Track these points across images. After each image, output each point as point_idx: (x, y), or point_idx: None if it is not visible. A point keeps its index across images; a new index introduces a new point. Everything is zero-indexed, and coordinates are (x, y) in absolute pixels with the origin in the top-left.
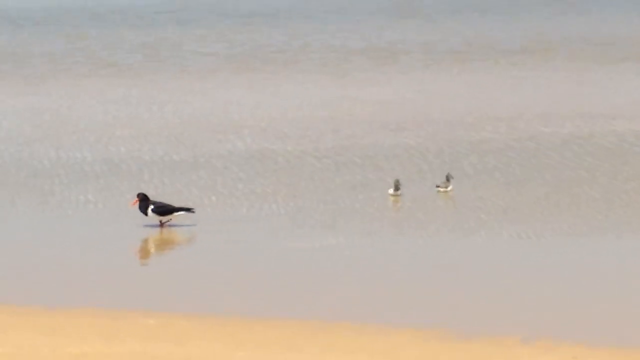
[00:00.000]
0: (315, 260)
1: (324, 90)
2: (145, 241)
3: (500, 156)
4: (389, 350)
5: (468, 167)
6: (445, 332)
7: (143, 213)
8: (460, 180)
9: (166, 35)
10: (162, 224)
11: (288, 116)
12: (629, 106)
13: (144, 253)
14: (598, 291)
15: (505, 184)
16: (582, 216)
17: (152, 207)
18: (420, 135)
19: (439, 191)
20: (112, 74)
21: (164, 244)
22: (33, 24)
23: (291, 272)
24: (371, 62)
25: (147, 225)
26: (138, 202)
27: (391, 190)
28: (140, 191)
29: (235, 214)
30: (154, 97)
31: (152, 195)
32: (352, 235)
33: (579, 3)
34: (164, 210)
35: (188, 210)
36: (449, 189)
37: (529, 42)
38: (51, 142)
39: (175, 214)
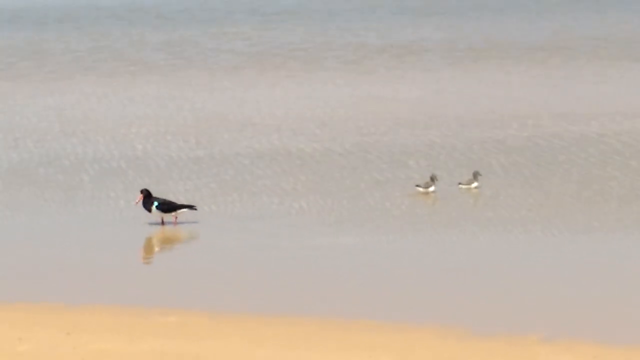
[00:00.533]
0: (335, 258)
1: (346, 88)
2: (165, 239)
3: (526, 153)
4: (407, 347)
5: (495, 165)
6: (464, 330)
7: (147, 210)
8: (487, 177)
9: (189, 34)
10: (163, 222)
11: (309, 114)
12: None
13: (162, 250)
14: (621, 290)
15: (530, 181)
16: (608, 214)
17: (156, 203)
18: (445, 133)
19: (461, 188)
20: (135, 72)
21: (183, 242)
22: (56, 22)
23: (310, 269)
24: (394, 59)
25: (168, 223)
26: (142, 199)
27: (420, 188)
28: (144, 187)
29: (257, 211)
30: (177, 95)
31: (175, 192)
32: (374, 232)
33: (599, 2)
34: (168, 207)
35: (191, 207)
36: (472, 185)
37: (549, 41)
38: (78, 139)
39: (179, 210)
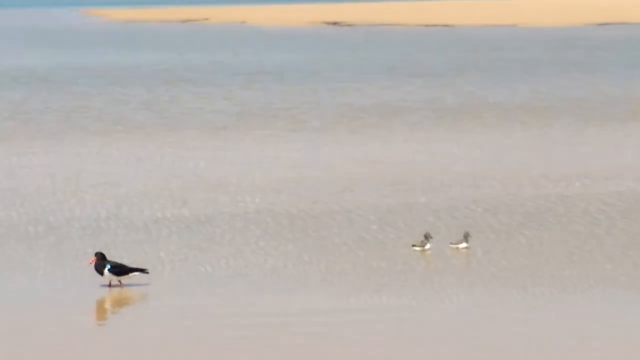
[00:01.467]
0: (307, 325)
1: (330, 148)
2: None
3: (512, 214)
4: None
5: (482, 225)
6: None
7: (99, 272)
8: (476, 237)
9: (172, 93)
10: (110, 285)
11: (291, 175)
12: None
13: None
14: (616, 348)
15: (519, 241)
16: (598, 272)
17: (108, 266)
18: (431, 193)
19: (452, 248)
20: (119, 131)
21: (143, 307)
22: (38, 81)
23: (276, 340)
24: (375, 119)
25: (115, 286)
26: (95, 261)
27: (417, 248)
28: (98, 250)
29: (234, 272)
30: (159, 154)
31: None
32: (366, 294)
33: (582, 64)
34: (119, 270)
35: (142, 270)
36: (461, 246)
37: (530, 101)
38: (64, 198)
39: (130, 274)
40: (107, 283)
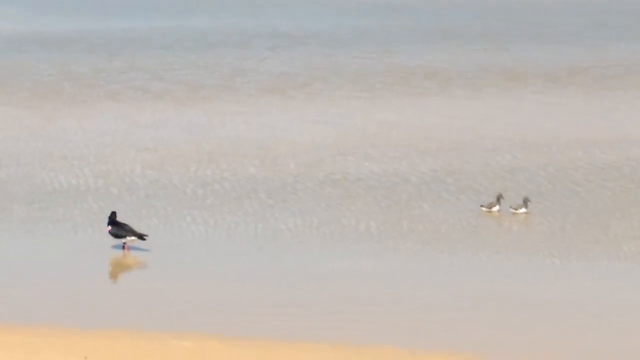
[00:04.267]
0: (351, 284)
1: (359, 115)
2: (184, 264)
3: (570, 179)
4: None
5: (544, 190)
6: (477, 358)
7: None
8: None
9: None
10: (125, 246)
11: (352, 138)
12: None
13: (177, 275)
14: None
15: (577, 207)
16: None
17: (109, 228)
18: (487, 157)
19: (513, 213)
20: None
21: (192, 267)
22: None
23: (326, 295)
24: (428, 83)
25: (132, 248)
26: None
27: (484, 208)
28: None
29: (272, 235)
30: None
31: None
32: (407, 255)
33: (615, 29)
34: (116, 233)
35: (141, 236)
36: (520, 211)
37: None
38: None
39: (128, 238)
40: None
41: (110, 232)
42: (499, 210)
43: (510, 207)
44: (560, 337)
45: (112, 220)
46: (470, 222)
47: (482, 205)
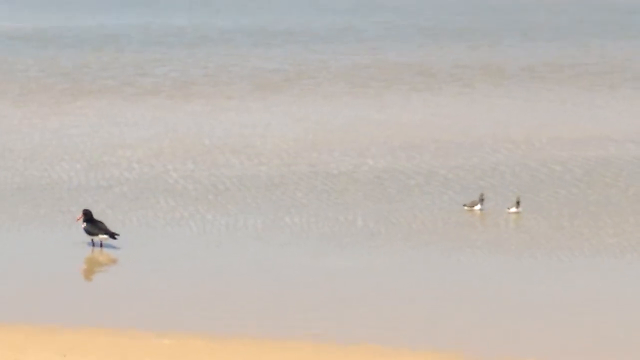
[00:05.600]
0: (335, 281)
1: (345, 112)
2: (166, 261)
3: (564, 176)
4: None
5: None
6: (459, 356)
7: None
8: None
9: (173, 56)
10: (98, 244)
11: (340, 135)
12: None
13: (161, 273)
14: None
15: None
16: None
17: (83, 225)
18: (478, 155)
19: (508, 213)
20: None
21: (182, 262)
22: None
23: (311, 292)
24: (419, 79)
25: (107, 245)
26: (82, 218)
27: (478, 207)
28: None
29: (256, 232)
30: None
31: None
32: (398, 253)
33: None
34: (89, 231)
35: (112, 235)
36: (511, 210)
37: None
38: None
39: (100, 236)
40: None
41: (85, 229)
42: (480, 210)
43: (508, 208)
44: (547, 334)
45: (89, 218)
46: (453, 220)
47: (464, 205)
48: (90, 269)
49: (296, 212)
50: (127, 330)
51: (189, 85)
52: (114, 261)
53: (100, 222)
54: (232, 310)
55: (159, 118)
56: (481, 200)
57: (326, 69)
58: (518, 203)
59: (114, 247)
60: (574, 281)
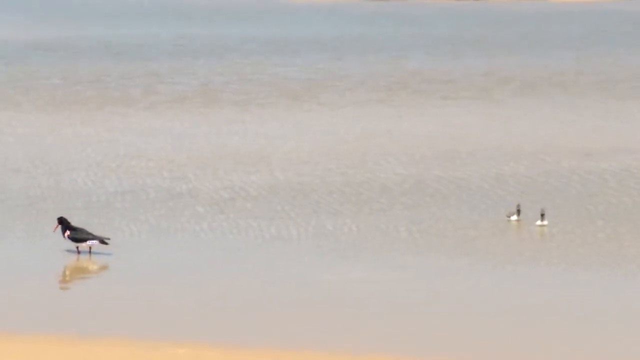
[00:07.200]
0: (350, 293)
1: (360, 122)
2: (183, 272)
3: (586, 188)
4: None
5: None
6: None
7: (64, 237)
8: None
9: (180, 66)
10: (78, 251)
11: (369, 145)
12: None
13: (176, 284)
14: None
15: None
16: None
17: (67, 232)
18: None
19: (536, 226)
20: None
21: (192, 274)
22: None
23: (324, 304)
24: (439, 88)
25: (83, 252)
26: (58, 227)
27: (514, 217)
28: (60, 216)
29: (270, 242)
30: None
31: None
32: (426, 267)
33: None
34: (77, 237)
35: (102, 240)
36: (537, 223)
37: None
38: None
39: (89, 242)
40: (73, 248)
41: (70, 237)
42: (517, 220)
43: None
44: (565, 345)
45: (68, 226)
46: (471, 231)
47: (507, 216)
48: (105, 278)
49: (319, 221)
50: (142, 339)
51: (211, 94)
52: (128, 269)
53: (83, 229)
54: (248, 320)
55: (182, 126)
56: (518, 211)
57: (348, 77)
58: (543, 216)
59: (129, 255)
60: (605, 294)
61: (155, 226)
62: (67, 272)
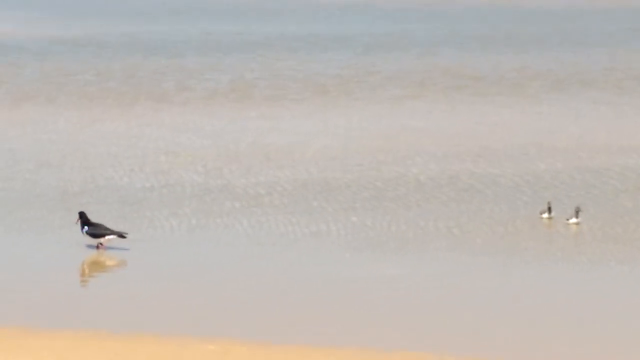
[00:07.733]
0: (379, 288)
1: (386, 120)
2: (212, 268)
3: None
4: None
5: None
6: None
7: (81, 232)
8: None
9: (206, 62)
10: (98, 247)
11: (410, 141)
12: None
13: (209, 280)
14: None
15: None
16: None
17: (85, 228)
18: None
19: (564, 223)
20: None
21: (230, 271)
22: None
23: (350, 300)
24: (475, 84)
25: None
26: (79, 221)
27: (545, 215)
28: (81, 210)
29: (298, 239)
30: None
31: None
32: (450, 262)
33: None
34: (94, 232)
35: (120, 235)
36: (571, 221)
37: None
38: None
39: (107, 237)
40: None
41: (88, 233)
42: (549, 218)
43: (567, 219)
44: (591, 344)
45: (86, 221)
46: (505, 227)
47: (540, 213)
48: (135, 274)
49: (353, 217)
50: (171, 336)
51: (243, 90)
52: (163, 264)
53: (101, 224)
54: (278, 317)
55: (215, 121)
56: (549, 209)
57: (378, 73)
58: (577, 213)
59: (164, 250)
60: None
61: (190, 221)
62: (95, 268)
